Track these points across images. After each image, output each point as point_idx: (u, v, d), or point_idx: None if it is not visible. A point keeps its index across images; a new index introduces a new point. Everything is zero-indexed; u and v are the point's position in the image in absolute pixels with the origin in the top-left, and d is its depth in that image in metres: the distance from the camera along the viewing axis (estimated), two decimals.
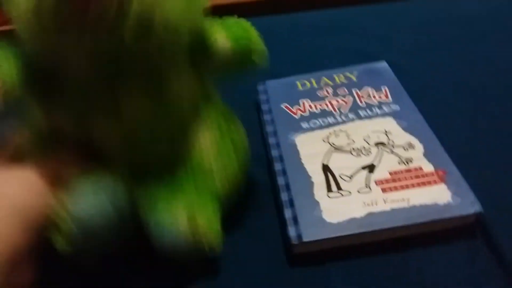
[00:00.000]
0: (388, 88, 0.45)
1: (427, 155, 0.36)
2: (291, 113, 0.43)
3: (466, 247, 0.32)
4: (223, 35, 0.30)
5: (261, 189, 0.38)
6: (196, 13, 0.27)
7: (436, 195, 0.33)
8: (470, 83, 0.47)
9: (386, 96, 0.44)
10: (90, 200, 0.27)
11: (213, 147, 0.31)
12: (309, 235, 0.32)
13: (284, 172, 0.37)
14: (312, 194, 0.35)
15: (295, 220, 0.33)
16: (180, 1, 0.25)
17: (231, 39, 0.30)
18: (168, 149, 0.31)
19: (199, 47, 0.29)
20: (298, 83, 0.48)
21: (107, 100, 0.27)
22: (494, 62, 0.50)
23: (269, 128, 0.42)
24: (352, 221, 0.32)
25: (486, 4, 0.61)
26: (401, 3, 0.64)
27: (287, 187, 0.36)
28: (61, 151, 0.29)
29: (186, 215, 0.27)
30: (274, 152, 0.40)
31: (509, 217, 0.33)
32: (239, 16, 0.32)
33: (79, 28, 0.23)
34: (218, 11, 0.31)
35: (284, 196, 0.35)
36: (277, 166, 0.38)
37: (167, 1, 0.24)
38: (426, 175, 0.34)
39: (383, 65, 0.48)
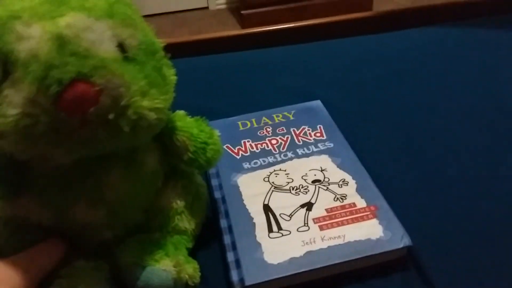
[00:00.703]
0: (323, 126, 0.47)
1: (360, 191, 0.38)
2: (233, 154, 0.44)
3: (400, 279, 0.34)
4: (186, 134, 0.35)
5: (207, 231, 0.38)
6: (168, 109, 0.31)
7: (369, 231, 0.35)
8: (399, 119, 0.51)
9: (321, 134, 0.46)
10: None
11: (185, 208, 0.36)
12: (251, 279, 0.32)
13: (226, 214, 0.38)
14: (254, 236, 0.35)
15: (237, 263, 0.33)
16: (159, 100, 0.28)
17: (191, 139, 0.35)
18: (145, 216, 0.35)
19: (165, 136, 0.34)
20: (240, 123, 0.49)
21: (87, 186, 0.30)
22: (421, 98, 0.54)
23: (212, 170, 0.43)
24: (292, 261, 0.33)
25: (413, 42, 0.67)
26: (334, 42, 0.69)
27: (230, 229, 0.36)
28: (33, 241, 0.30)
29: (172, 263, 0.32)
30: (217, 194, 0.40)
31: (438, 248, 0.36)
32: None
33: (75, 137, 0.25)
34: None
35: (226, 239, 0.36)
36: (220, 208, 0.39)
37: (154, 100, 0.28)
38: (359, 210, 0.36)
39: (317, 103, 0.51)
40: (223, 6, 2.25)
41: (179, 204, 0.35)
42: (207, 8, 2.24)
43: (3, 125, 0.24)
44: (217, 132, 0.37)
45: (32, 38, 0.24)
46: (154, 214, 0.35)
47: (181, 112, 0.36)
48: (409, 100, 0.54)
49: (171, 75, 0.31)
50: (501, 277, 0.34)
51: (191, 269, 0.32)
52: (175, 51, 0.33)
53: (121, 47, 0.27)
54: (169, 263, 0.31)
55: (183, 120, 0.35)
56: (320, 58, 0.66)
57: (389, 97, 0.55)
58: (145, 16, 0.31)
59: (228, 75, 0.63)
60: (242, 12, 1.96)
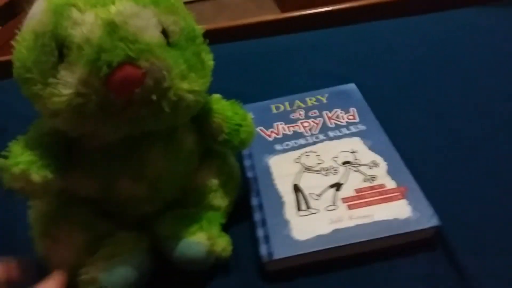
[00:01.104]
0: (356, 109, 0.47)
1: (390, 172, 0.39)
2: (266, 136, 0.46)
3: (426, 260, 0.34)
4: (221, 116, 0.37)
5: (239, 208, 0.40)
6: (205, 92, 0.33)
7: (397, 211, 0.35)
8: (434, 103, 0.50)
9: (354, 117, 0.46)
10: (119, 274, 0.32)
11: (219, 187, 0.38)
12: (279, 253, 0.34)
13: (258, 193, 0.40)
14: (284, 213, 0.37)
15: (266, 238, 0.35)
16: (197, 83, 0.31)
17: (226, 121, 0.36)
18: (182, 193, 0.37)
19: (202, 117, 0.36)
20: (273, 107, 0.50)
21: (131, 161, 0.33)
22: (460, 84, 0.53)
23: (245, 151, 0.45)
24: (319, 237, 0.34)
25: (452, 27, 0.64)
26: (370, 24, 0.68)
27: (260, 207, 0.38)
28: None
29: (206, 237, 0.34)
30: (250, 174, 0.42)
31: (466, 230, 0.36)
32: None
33: (121, 115, 0.28)
34: None
35: (257, 216, 0.38)
36: (252, 187, 0.40)
37: (193, 83, 0.30)
38: (389, 191, 0.37)
39: (351, 87, 0.51)
40: None
41: (213, 182, 0.38)
42: None
43: (58, 103, 0.27)
44: (250, 115, 0.38)
45: (86, 24, 0.26)
46: (190, 191, 0.37)
47: (217, 96, 0.38)
48: (443, 84, 0.53)
49: (209, 60, 0.33)
50: None
51: (223, 243, 0.35)
52: (214, 36, 0.35)
53: (165, 33, 0.29)
54: (203, 236, 0.34)
55: (219, 103, 0.37)
56: (356, 41, 0.65)
57: (425, 81, 0.54)
58: (187, 3, 0.33)
59: (264, 60, 0.65)
60: None
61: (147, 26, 0.28)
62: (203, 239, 0.34)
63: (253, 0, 2.20)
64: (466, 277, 0.33)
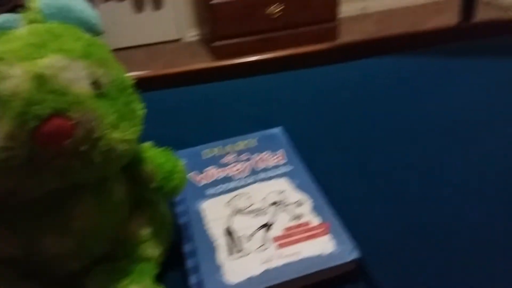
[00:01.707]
0: (283, 150, 0.51)
1: (315, 209, 0.42)
2: (198, 181, 0.47)
3: None
4: (152, 164, 0.37)
5: (171, 256, 0.40)
6: (136, 140, 0.34)
7: (322, 246, 0.38)
8: (356, 143, 0.55)
9: (282, 158, 0.49)
10: None
11: (151, 236, 0.38)
12: None
13: (190, 239, 0.40)
14: (216, 258, 0.37)
15: (199, 285, 0.36)
16: (128, 132, 0.31)
17: (157, 168, 0.37)
18: (112, 246, 0.36)
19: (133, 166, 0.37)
20: (204, 152, 0.52)
21: (57, 216, 0.32)
22: (381, 126, 0.59)
23: (177, 197, 0.45)
24: (251, 279, 0.35)
25: (373, 71, 0.72)
26: (299, 72, 0.74)
27: (193, 253, 0.38)
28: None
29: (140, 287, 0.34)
30: (182, 219, 0.42)
31: (388, 260, 0.39)
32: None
33: (49, 168, 0.27)
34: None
35: (190, 263, 0.38)
36: (184, 234, 0.41)
37: (124, 132, 0.31)
38: (314, 228, 0.40)
39: (279, 130, 0.55)
40: (195, 38, 2.32)
41: (145, 232, 0.38)
42: (180, 40, 2.30)
43: None
44: (182, 162, 0.39)
45: (14, 78, 0.26)
46: (120, 242, 0.37)
47: (148, 144, 0.39)
48: (365, 126, 0.59)
49: (139, 109, 0.35)
50: (449, 284, 0.37)
51: None
52: (147, 84, 0.36)
53: (95, 84, 0.30)
54: (136, 286, 0.33)
55: (150, 151, 0.38)
56: (285, 88, 0.71)
57: (347, 124, 0.60)
58: (121, 49, 0.34)
59: (196, 106, 0.67)
60: (213, 44, 2.03)
61: (77, 78, 0.28)
62: None
63: (186, 48, 2.26)
64: None
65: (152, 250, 0.37)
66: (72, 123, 0.27)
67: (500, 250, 0.39)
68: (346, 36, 2.13)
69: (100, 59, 0.31)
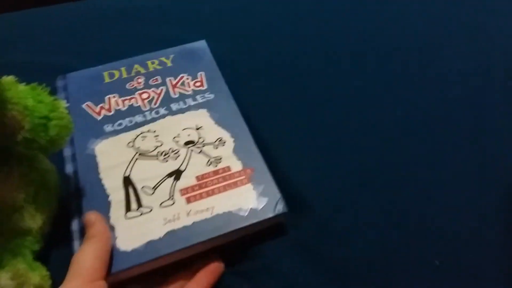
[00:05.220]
0: (204, 73, 0.40)
1: (237, 151, 0.34)
2: (94, 114, 0.37)
3: (278, 245, 0.31)
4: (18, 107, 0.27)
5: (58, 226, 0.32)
6: None
7: (241, 199, 0.31)
8: (292, 74, 0.44)
9: (202, 84, 0.40)
10: None
11: (26, 202, 0.29)
12: None
13: (77, 193, 0.31)
14: (108, 218, 0.30)
15: None
16: None
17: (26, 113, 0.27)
18: None
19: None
20: (106, 74, 0.41)
21: None
22: (322, 61, 0.47)
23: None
24: (150, 244, 0.28)
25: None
26: None
27: (79, 212, 0.30)
28: None
29: (9, 276, 0.27)
30: (69, 167, 0.33)
31: (314, 213, 0.33)
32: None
33: None
34: None
35: (74, 225, 0.30)
36: (71, 186, 0.32)
37: None
38: (234, 175, 0.32)
39: (201, 44, 0.44)
40: None
41: (17, 198, 0.29)
42: None
43: None
44: (63, 103, 0.29)
45: None
46: None
47: (9, 79, 0.27)
48: (316, 56, 0.47)
49: None
50: (373, 236, 0.32)
51: (37, 278, 0.27)
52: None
53: None
54: (4, 275, 0.26)
55: (14, 89, 0.27)
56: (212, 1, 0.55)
57: (282, 49, 0.47)
58: None
59: (85, 25, 0.51)
60: None
61: None
62: (3, 280, 0.26)
63: None
64: (320, 262, 0.30)
65: (30, 220, 0.29)
66: None
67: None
68: None
69: None
